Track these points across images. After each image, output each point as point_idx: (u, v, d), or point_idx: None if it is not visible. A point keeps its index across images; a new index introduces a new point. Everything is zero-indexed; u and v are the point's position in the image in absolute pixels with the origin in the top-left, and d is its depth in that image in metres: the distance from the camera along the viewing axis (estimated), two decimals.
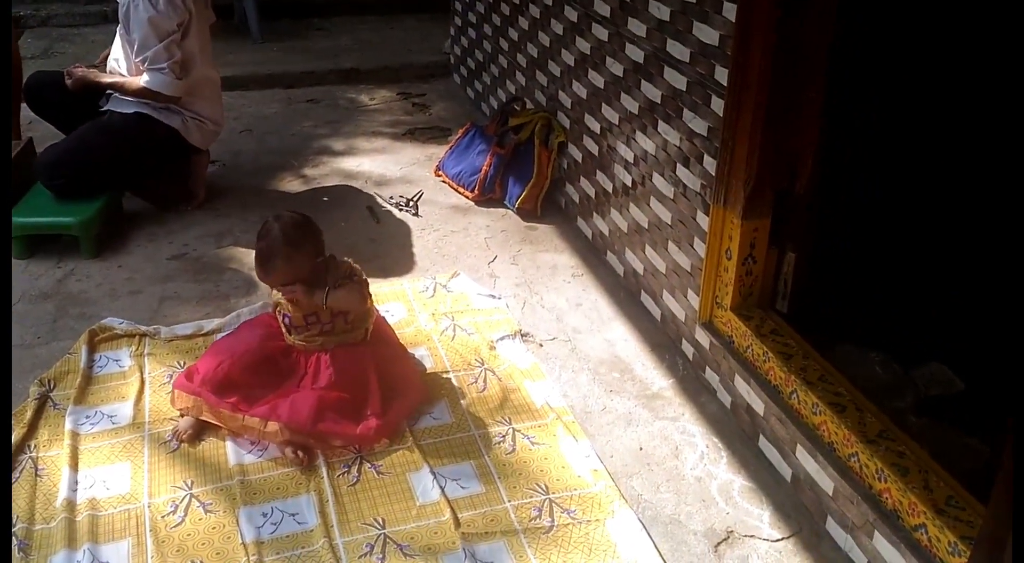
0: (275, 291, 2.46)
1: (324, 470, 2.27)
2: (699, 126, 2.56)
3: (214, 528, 2.10)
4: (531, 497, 2.20)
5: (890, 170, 2.80)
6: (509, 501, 2.19)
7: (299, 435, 2.30)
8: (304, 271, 2.36)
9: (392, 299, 3.06)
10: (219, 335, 2.79)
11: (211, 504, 2.16)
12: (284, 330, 2.48)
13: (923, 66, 2.71)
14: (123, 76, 3.49)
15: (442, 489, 2.21)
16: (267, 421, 2.30)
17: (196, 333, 2.82)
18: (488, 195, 3.79)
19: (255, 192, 3.86)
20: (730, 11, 2.34)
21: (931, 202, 2.85)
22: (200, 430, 2.38)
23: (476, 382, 2.64)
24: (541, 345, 2.85)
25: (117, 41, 3.54)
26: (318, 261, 2.40)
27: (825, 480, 2.11)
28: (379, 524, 2.11)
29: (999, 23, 2.70)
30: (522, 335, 2.88)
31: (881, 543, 1.94)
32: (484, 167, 3.78)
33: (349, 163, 4.22)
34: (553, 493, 2.22)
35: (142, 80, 3.39)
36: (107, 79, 3.50)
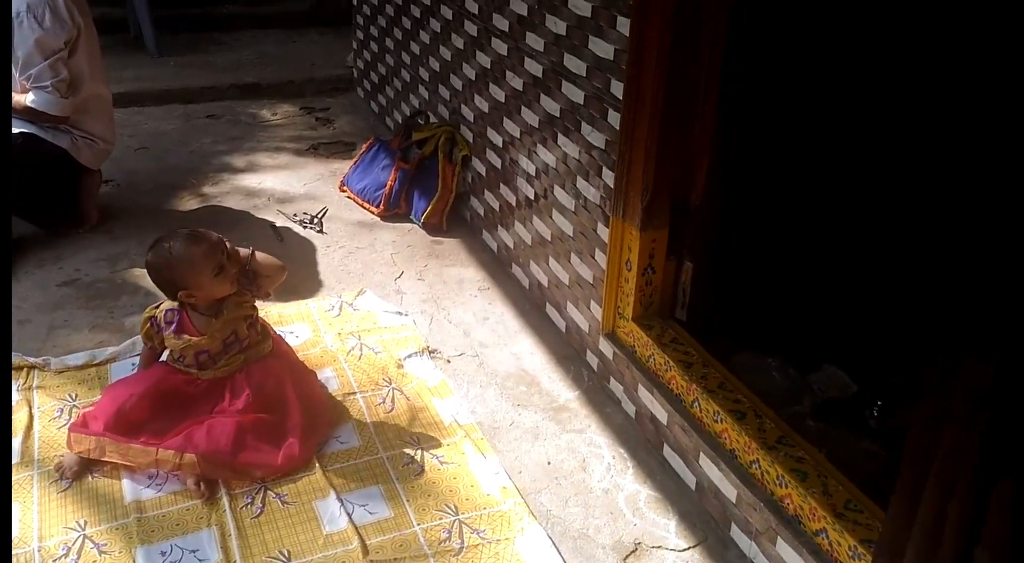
0: (170, 337, 2.32)
1: (226, 502, 2.20)
2: (597, 139, 2.58)
3: None
4: (440, 519, 2.18)
5: (783, 179, 2.87)
6: (418, 524, 2.16)
7: (218, 468, 2.21)
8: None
9: (297, 320, 3.00)
10: (113, 364, 2.69)
11: (106, 544, 2.07)
12: (197, 371, 2.34)
13: (818, 73, 2.78)
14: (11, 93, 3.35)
15: (349, 516, 2.16)
16: (183, 453, 2.20)
17: (89, 363, 2.71)
18: (393, 210, 3.75)
19: (152, 213, 3.74)
20: (624, 26, 2.36)
21: (824, 207, 2.93)
22: (88, 465, 2.27)
23: (384, 402, 2.60)
24: (449, 361, 2.83)
25: None
26: None
27: (728, 487, 2.14)
28: (284, 557, 2.06)
29: (896, 28, 2.79)
30: (430, 352, 2.85)
31: (784, 549, 1.98)
32: (389, 182, 3.74)
33: (251, 180, 4.13)
34: (462, 513, 2.20)
35: (27, 99, 3.26)
36: None
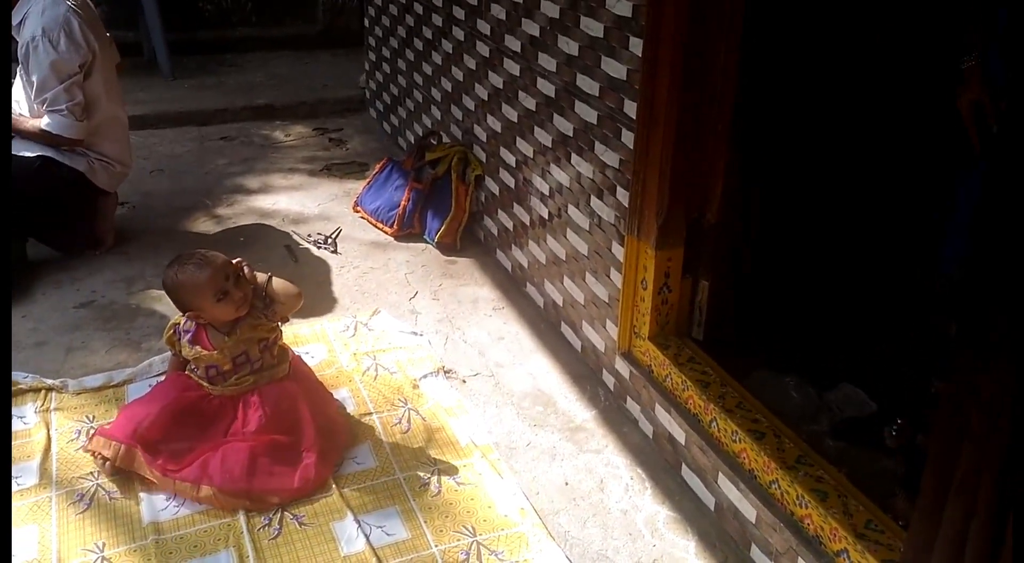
0: (185, 345, 2.38)
1: (244, 523, 2.20)
2: (611, 158, 2.59)
3: None
4: (458, 541, 2.17)
5: (799, 196, 2.87)
6: (436, 546, 2.15)
7: (234, 499, 2.22)
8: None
9: (312, 340, 3.00)
10: (130, 386, 2.70)
11: None
12: (207, 384, 2.39)
13: (833, 88, 2.79)
14: (24, 117, 3.38)
15: (367, 537, 2.16)
16: (199, 486, 2.23)
17: (106, 384, 2.72)
18: (407, 230, 3.77)
19: (167, 234, 3.76)
20: (636, 46, 2.38)
21: (841, 225, 2.93)
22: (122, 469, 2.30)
23: (400, 422, 2.60)
24: (464, 381, 2.83)
25: (18, 82, 3.43)
26: None
27: (748, 508, 2.13)
28: None
29: (906, 47, 2.80)
30: (445, 372, 2.85)
31: None
32: (402, 202, 3.76)
33: (265, 201, 4.15)
34: (480, 535, 2.19)
35: (42, 123, 3.29)
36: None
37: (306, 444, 2.34)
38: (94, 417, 2.57)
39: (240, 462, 2.25)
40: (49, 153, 3.37)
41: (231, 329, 2.35)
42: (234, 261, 2.36)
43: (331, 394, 2.65)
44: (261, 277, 2.38)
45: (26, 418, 2.56)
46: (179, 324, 2.42)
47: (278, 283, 2.39)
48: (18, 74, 3.40)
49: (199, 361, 2.37)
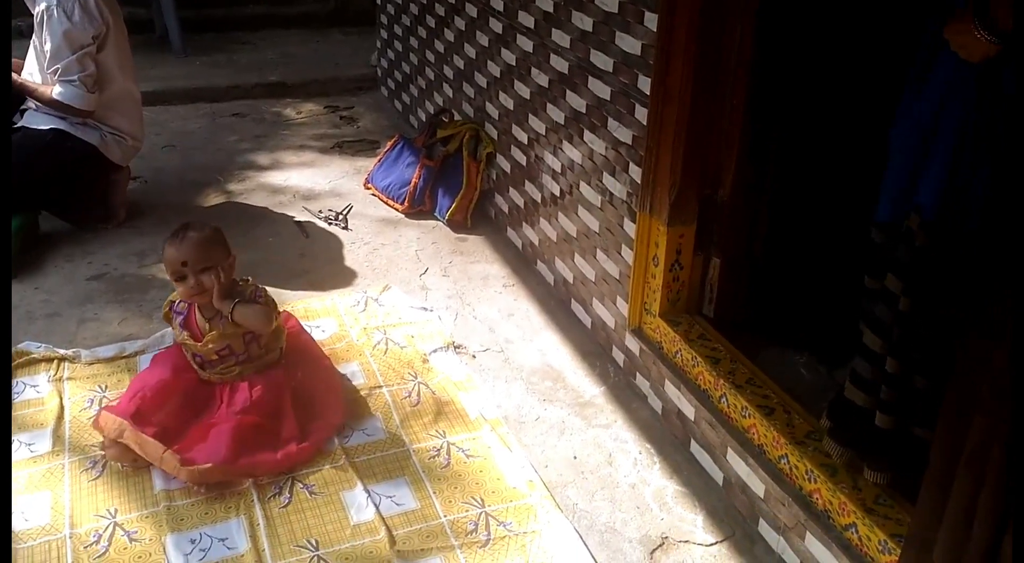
0: (177, 327, 2.41)
1: (254, 493, 2.22)
2: (624, 135, 2.58)
3: (140, 557, 2.03)
4: (467, 511, 2.19)
5: (813, 173, 2.86)
6: (445, 516, 2.17)
7: (217, 475, 2.20)
8: (213, 262, 2.33)
9: (323, 315, 3.01)
10: (142, 356, 2.72)
11: (136, 532, 2.09)
12: (197, 368, 2.41)
13: (850, 63, 2.77)
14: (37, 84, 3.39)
15: (376, 507, 2.18)
16: (181, 460, 2.20)
17: (118, 355, 2.74)
18: (418, 207, 3.77)
19: (178, 209, 3.77)
20: (651, 21, 2.37)
21: (855, 203, 2.92)
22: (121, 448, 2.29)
23: (410, 396, 2.61)
24: (474, 356, 2.83)
25: (31, 52, 3.43)
26: (234, 280, 2.41)
27: (756, 483, 2.13)
28: (312, 546, 2.07)
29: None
30: (455, 347, 2.86)
31: (813, 544, 1.97)
32: (413, 179, 3.76)
33: (276, 178, 4.16)
34: (489, 506, 2.20)
35: (54, 92, 3.29)
36: (19, 81, 3.37)
37: (286, 434, 2.33)
38: (106, 386, 2.59)
39: (224, 443, 2.22)
40: (62, 126, 3.38)
41: (212, 315, 2.37)
42: (228, 259, 2.37)
43: (334, 368, 2.64)
44: (228, 305, 2.34)
45: (39, 387, 2.58)
46: (174, 301, 2.45)
47: (240, 313, 2.34)
48: (31, 43, 3.40)
49: (186, 348, 2.41)
